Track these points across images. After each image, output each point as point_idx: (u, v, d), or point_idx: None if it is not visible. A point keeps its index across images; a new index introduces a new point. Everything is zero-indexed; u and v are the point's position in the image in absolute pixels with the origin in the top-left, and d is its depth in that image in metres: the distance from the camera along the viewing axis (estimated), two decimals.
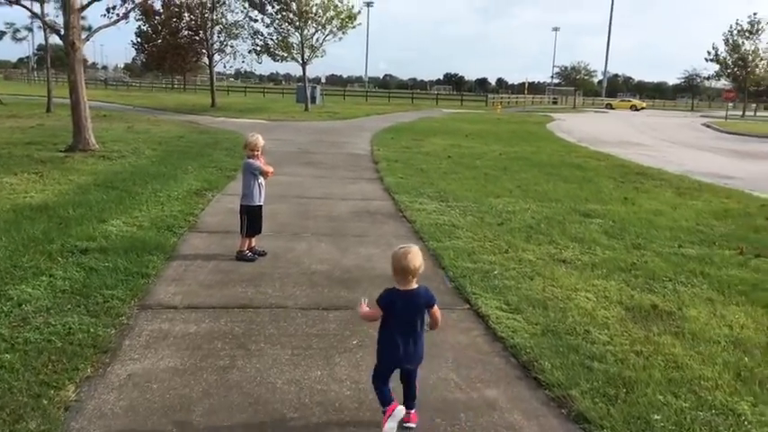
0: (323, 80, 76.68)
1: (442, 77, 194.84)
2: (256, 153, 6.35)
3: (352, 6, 33.75)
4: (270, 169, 6.46)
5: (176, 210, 7.93)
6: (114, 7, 13.30)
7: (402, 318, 3.29)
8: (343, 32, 34.17)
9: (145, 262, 5.67)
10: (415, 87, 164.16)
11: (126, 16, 13.38)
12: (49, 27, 13.26)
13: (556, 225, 8.18)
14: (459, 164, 14.26)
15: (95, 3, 12.60)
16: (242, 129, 21.84)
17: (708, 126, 39.85)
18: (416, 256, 3.27)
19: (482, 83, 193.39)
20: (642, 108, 76.32)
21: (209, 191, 9.48)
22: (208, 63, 37.15)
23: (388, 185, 10.92)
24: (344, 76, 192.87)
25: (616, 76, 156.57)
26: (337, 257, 6.38)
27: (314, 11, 33.09)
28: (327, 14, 33.15)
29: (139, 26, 38.20)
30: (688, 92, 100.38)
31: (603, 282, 5.84)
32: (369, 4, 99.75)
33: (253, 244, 6.39)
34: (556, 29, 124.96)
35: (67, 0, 12.29)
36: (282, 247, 6.67)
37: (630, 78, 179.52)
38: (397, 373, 3.37)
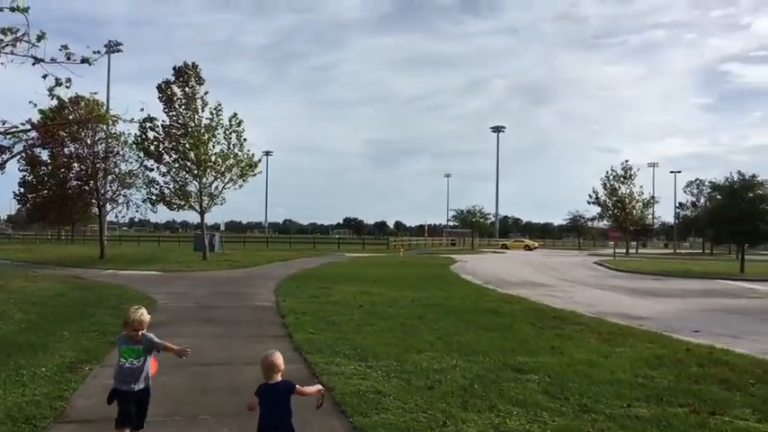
0: (222, 227, 75.45)
1: (341, 221, 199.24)
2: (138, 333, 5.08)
3: (252, 155, 33.80)
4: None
5: (41, 392, 6.45)
6: None
7: (270, 403, 4.36)
8: (244, 180, 33.85)
9: None
10: (315, 231, 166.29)
11: (2, 167, 12.14)
12: None
13: (491, 385, 7.35)
14: (373, 313, 13.41)
15: None
16: (131, 282, 20.16)
17: (600, 264, 41.79)
18: (280, 357, 4.55)
19: (381, 226, 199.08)
20: (535, 247, 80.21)
21: (86, 363, 8.00)
22: (98, 213, 35.36)
23: (298, 344, 9.81)
24: (244, 222, 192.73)
25: (506, 217, 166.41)
26: None
27: (213, 159, 32.74)
28: (227, 163, 32.87)
29: (24, 176, 36.30)
30: (573, 231, 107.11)
31: None
32: (267, 153, 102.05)
33: None
34: (447, 175, 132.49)
35: None
36: None
37: (519, 219, 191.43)
38: None
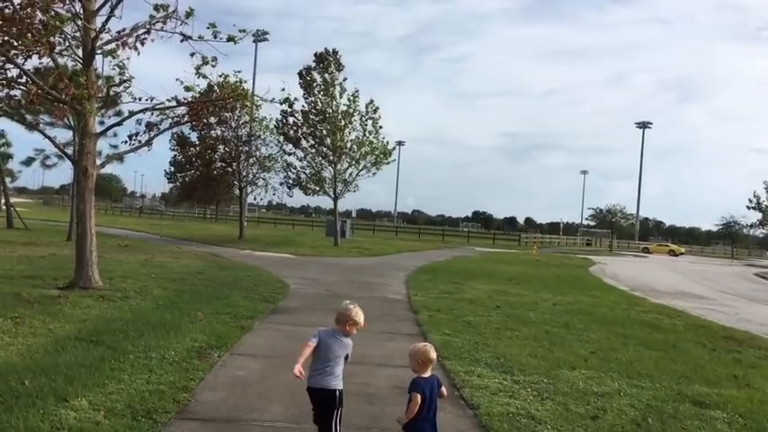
0: (353, 214, 76.66)
1: (470, 215, 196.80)
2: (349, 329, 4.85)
3: (387, 143, 33.49)
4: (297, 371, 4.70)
5: (167, 380, 6.06)
6: (137, 134, 12.27)
7: (429, 398, 4.24)
8: (377, 168, 33.67)
9: None
10: (443, 223, 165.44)
11: (149, 144, 12.30)
12: (63, 153, 12.18)
13: (670, 421, 6.07)
14: (512, 316, 12.29)
15: (116, 128, 11.57)
16: (266, 264, 20.35)
17: (762, 276, 37.47)
18: (433, 351, 4.51)
19: (511, 221, 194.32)
20: (681, 253, 74.12)
21: (215, 349, 7.64)
22: (239, 194, 36.73)
23: (434, 346, 8.96)
24: (374, 210, 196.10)
25: (647, 219, 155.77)
26: None
27: (348, 146, 32.80)
28: (362, 150, 32.80)
29: (174, 156, 38.53)
30: (725, 238, 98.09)
31: None
32: (400, 143, 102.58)
33: None
34: (584, 172, 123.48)
35: (83, 124, 11.28)
36: None
37: (661, 222, 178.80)
38: None
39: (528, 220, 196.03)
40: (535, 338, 10.06)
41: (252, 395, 5.97)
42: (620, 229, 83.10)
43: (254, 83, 43.66)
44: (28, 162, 31.61)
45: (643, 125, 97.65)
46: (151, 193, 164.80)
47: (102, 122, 15.51)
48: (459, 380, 7.13)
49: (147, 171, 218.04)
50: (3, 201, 35.56)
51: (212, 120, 34.71)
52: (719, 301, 20.56)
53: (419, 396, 4.20)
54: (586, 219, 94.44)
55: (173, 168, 38.99)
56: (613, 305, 15.65)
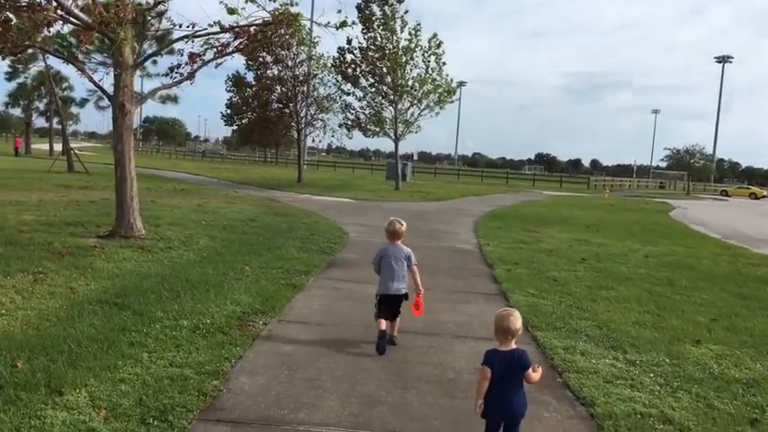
0: (415, 157, 74.85)
1: (533, 157, 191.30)
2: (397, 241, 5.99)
3: (451, 80, 31.37)
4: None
5: (195, 361, 4.84)
6: (178, 66, 10.99)
7: (502, 375, 3.47)
8: (441, 107, 31.70)
9: None
10: (504, 166, 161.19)
11: (191, 77, 11.01)
12: (99, 88, 11.02)
13: None
14: (602, 271, 10.67)
15: (155, 58, 10.27)
16: (324, 209, 19.18)
17: None
18: (518, 319, 3.66)
19: (575, 164, 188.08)
20: (763, 196, 69.42)
21: (261, 314, 6.40)
22: (296, 137, 35.58)
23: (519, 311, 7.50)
24: (433, 153, 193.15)
25: (721, 160, 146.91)
26: None
27: (410, 84, 30.90)
28: (425, 88, 30.84)
29: (230, 98, 37.46)
30: None
31: None
32: (461, 84, 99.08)
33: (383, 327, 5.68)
34: (656, 111, 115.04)
35: (118, 54, 10.04)
36: None
37: (737, 164, 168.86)
38: None
39: (594, 163, 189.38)
40: (638, 300, 8.45)
41: (300, 382, 4.70)
42: (695, 171, 78.38)
43: (312, 11, 41.55)
44: (81, 103, 31.41)
45: (723, 59, 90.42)
46: (214, 137, 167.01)
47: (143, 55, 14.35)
48: (560, 359, 5.67)
49: (211, 115, 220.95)
50: (65, 145, 35.61)
51: (268, 59, 33.45)
52: None
53: (485, 370, 3.52)
54: (661, 160, 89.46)
55: (229, 111, 38.06)
56: (714, 257, 13.74)
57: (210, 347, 5.20)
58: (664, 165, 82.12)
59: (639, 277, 10.31)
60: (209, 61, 11.16)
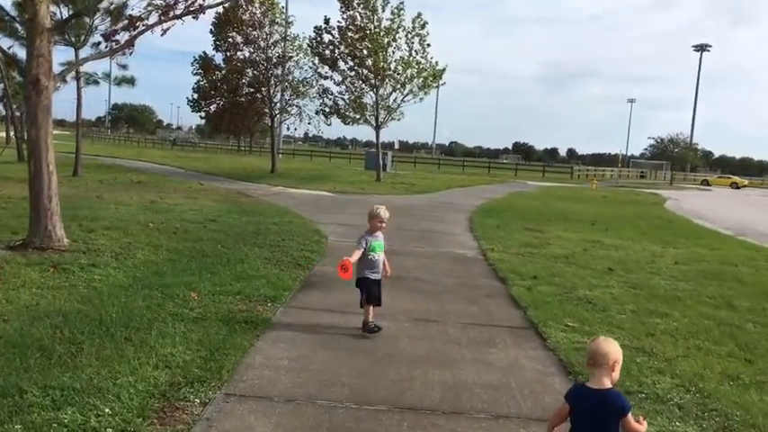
0: (396, 145, 72.45)
1: (510, 146, 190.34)
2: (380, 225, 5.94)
3: (437, 63, 29.22)
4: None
5: None
6: (114, 33, 8.73)
7: (585, 420, 2.81)
8: (425, 93, 29.60)
9: None
10: (481, 155, 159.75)
11: (130, 45, 8.76)
12: (8, 57, 8.72)
13: None
14: (638, 286, 8.71)
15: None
16: (299, 205, 17.01)
17: None
18: (609, 344, 2.90)
19: (552, 153, 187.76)
20: (744, 186, 68.77)
21: (199, 384, 4.25)
22: (270, 124, 33.17)
23: (566, 357, 5.46)
24: (410, 141, 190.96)
25: (695, 149, 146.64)
26: None
27: (393, 68, 28.71)
28: (408, 72, 28.67)
29: (197, 81, 34.83)
30: None
31: None
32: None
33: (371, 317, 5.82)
34: (631, 100, 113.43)
35: (31, 15, 7.74)
36: None
37: (711, 153, 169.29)
38: None
39: (570, 152, 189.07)
40: (706, 333, 6.50)
41: None
42: (682, 160, 77.46)
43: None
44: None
45: (701, 48, 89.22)
46: (187, 125, 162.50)
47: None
48: None
49: (184, 103, 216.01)
50: (13, 132, 32.77)
51: (239, 39, 31.04)
52: None
53: (564, 407, 2.89)
54: (645, 149, 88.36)
55: (196, 96, 35.37)
56: (749, 262, 11.89)
57: None
58: (648, 154, 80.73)
59: (688, 295, 8.37)
60: (153, 26, 8.91)
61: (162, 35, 9.17)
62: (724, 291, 8.81)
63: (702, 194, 45.89)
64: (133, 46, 8.86)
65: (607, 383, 2.84)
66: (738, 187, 66.88)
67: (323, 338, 5.66)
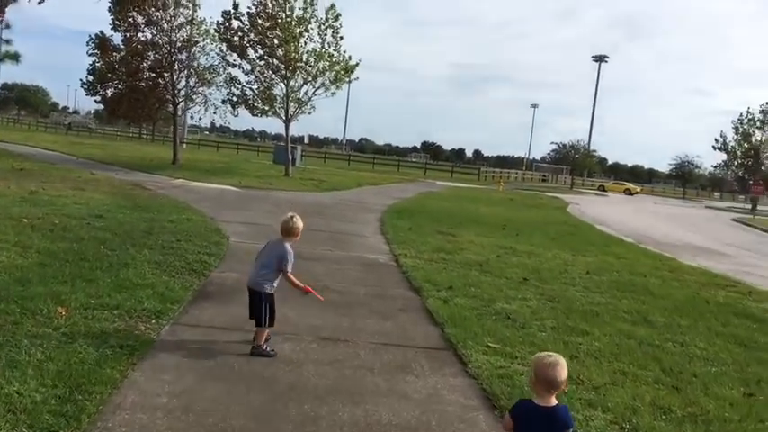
0: (306, 140, 71.18)
1: (419, 145, 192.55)
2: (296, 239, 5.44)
3: (350, 57, 28.51)
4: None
5: None
6: None
7: None
8: (337, 87, 28.82)
9: None
10: (391, 153, 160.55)
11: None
12: None
13: None
14: (555, 299, 8.41)
15: None
16: (201, 201, 15.85)
17: (743, 223, 35.16)
18: (564, 369, 2.83)
19: (459, 153, 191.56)
20: (637, 192, 72.60)
21: None
22: (173, 111, 31.29)
23: (489, 388, 4.92)
24: (321, 136, 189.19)
25: (593, 155, 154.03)
26: None
27: (304, 59, 27.76)
28: (320, 64, 27.81)
29: (93, 62, 32.34)
30: (676, 178, 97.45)
31: None
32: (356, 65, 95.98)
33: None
34: (534, 106, 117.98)
35: None
36: None
37: (605, 159, 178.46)
38: None
39: (476, 153, 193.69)
40: (629, 355, 6.20)
41: None
42: (581, 166, 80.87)
43: None
44: None
45: (599, 58, 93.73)
46: (86, 109, 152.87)
47: None
48: None
49: (79, 84, 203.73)
50: None
51: (140, 19, 29.03)
52: (737, 258, 17.46)
53: (507, 420, 2.93)
54: (548, 153, 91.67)
55: (91, 78, 32.78)
56: (656, 272, 12.00)
57: None
58: (549, 158, 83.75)
59: (604, 310, 8.14)
60: None
61: (39, 3, 7.94)
62: (638, 305, 8.67)
63: (600, 200, 47.81)
64: (4, 14, 7.59)
65: (554, 401, 2.86)
66: (632, 194, 70.54)
67: (214, 366, 4.84)
